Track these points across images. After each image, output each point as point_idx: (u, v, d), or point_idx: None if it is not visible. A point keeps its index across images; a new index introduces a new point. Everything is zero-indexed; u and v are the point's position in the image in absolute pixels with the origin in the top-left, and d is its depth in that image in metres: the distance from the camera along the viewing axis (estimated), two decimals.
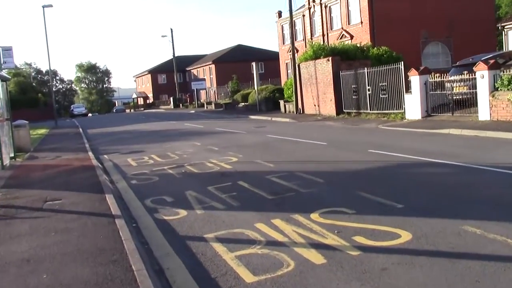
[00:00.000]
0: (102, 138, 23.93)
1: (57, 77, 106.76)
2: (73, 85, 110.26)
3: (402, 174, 9.00)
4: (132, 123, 35.10)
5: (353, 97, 25.49)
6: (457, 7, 35.90)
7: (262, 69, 67.93)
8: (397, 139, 14.65)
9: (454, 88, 19.56)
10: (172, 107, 63.82)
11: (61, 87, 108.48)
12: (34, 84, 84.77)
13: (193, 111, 48.41)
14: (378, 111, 23.54)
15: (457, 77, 19.26)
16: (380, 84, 23.34)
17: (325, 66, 27.43)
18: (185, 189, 9.08)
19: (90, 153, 16.42)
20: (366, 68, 24.43)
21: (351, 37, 36.62)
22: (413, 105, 21.00)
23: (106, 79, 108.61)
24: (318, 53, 29.80)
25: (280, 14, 49.55)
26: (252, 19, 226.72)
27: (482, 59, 19.00)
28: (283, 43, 49.29)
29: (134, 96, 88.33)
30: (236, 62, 66.20)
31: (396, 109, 22.35)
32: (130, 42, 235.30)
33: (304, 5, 44.61)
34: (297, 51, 46.19)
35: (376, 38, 34.59)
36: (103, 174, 11.13)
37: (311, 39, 43.19)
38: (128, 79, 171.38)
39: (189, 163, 12.34)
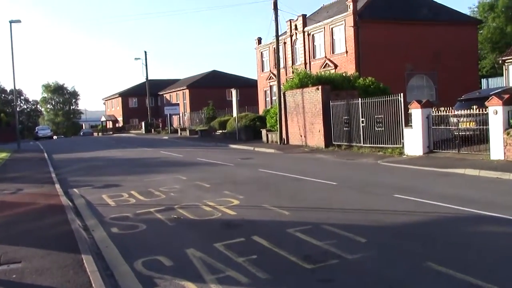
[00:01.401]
0: (71, 166, 21.54)
1: (22, 97, 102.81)
2: (38, 106, 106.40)
3: (462, 234, 7.15)
4: (102, 149, 32.65)
5: (345, 129, 23.94)
6: (442, 41, 35.28)
7: (238, 96, 66.40)
8: (413, 179, 12.96)
9: (460, 124, 18.17)
10: (144, 132, 61.34)
11: (25, 107, 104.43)
12: None
13: (166, 137, 46.16)
14: (373, 145, 22.00)
15: (464, 112, 17.88)
16: (375, 116, 21.87)
17: (313, 95, 25.90)
18: (185, 246, 7.05)
19: (58, 186, 14.15)
20: (360, 99, 22.97)
21: (335, 66, 35.40)
22: (413, 140, 19.50)
23: (73, 100, 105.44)
24: (304, 81, 28.39)
25: (259, 40, 48.25)
26: (227, 47, 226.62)
27: (491, 93, 17.74)
28: (262, 70, 47.87)
29: (103, 119, 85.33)
30: (211, 87, 64.60)
31: (393, 144, 20.84)
32: (100, 64, 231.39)
33: (285, 32, 43.40)
34: None
35: (361, 69, 33.36)
36: (75, 219, 8.95)
37: (292, 67, 41.95)
38: (96, 101, 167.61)
39: (180, 205, 10.29)
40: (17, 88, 37.52)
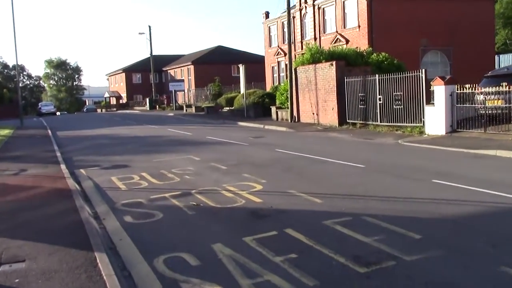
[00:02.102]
0: (76, 144, 20.67)
1: (25, 73, 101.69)
2: (41, 82, 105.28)
3: None
4: (107, 126, 31.76)
5: (360, 106, 22.94)
6: (458, 15, 33.91)
7: (245, 72, 65.02)
8: (446, 162, 12.03)
9: (487, 102, 17.16)
10: (148, 108, 60.31)
11: (28, 83, 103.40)
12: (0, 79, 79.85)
13: (171, 114, 45.18)
14: (390, 124, 21.04)
15: (492, 89, 16.85)
16: (394, 94, 20.85)
17: (327, 71, 24.82)
18: (211, 240, 6.19)
19: (63, 166, 13.29)
20: (377, 75, 21.92)
21: (347, 41, 34.18)
22: (435, 119, 18.52)
23: (76, 76, 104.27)
24: (316, 57, 27.30)
25: (267, 15, 46.84)
26: (231, 21, 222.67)
27: None
28: (270, 46, 46.57)
29: (107, 95, 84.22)
30: (216, 63, 63.28)
31: (413, 122, 19.89)
32: (103, 39, 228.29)
33: (294, 5, 41.97)
34: (285, 54, 43.67)
35: (374, 44, 32.11)
36: (84, 206, 8.08)
37: (301, 42, 40.73)
38: (100, 77, 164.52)
39: (197, 190, 9.41)
40: (19, 63, 36.66)
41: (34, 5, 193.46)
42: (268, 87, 45.21)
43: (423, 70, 19.30)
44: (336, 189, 8.92)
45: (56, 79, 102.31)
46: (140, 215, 7.79)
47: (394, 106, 20.84)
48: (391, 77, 21.02)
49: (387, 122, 21.25)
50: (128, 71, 78.68)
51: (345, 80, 23.69)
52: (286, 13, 43.80)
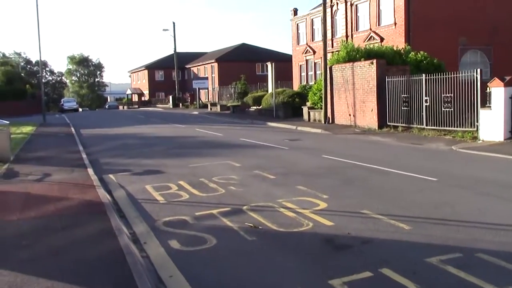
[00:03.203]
0: (101, 144, 19.50)
1: (47, 68, 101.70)
2: (63, 78, 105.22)
3: None
4: (131, 124, 30.65)
5: (403, 108, 21.34)
6: (499, 13, 31.97)
7: (267, 70, 63.61)
8: None
9: None
10: (171, 106, 59.23)
11: (50, 79, 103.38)
12: (22, 74, 79.66)
13: (196, 112, 43.98)
14: (438, 127, 19.43)
15: None
16: (443, 95, 19.24)
17: (366, 69, 23.27)
18: (287, 283, 4.80)
19: (90, 171, 12.04)
20: (423, 75, 20.34)
21: (381, 39, 32.48)
22: (492, 124, 16.89)
23: (98, 72, 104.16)
24: (352, 55, 25.80)
25: (295, 11, 45.35)
26: (256, 19, 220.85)
27: None
28: (298, 43, 45.05)
29: (129, 92, 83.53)
30: (240, 61, 61.98)
31: (464, 127, 18.29)
32: (125, 36, 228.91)
33: (324, 2, 40.38)
34: (314, 52, 42.16)
35: (411, 42, 30.38)
36: (122, 227, 6.75)
37: (332, 40, 39.05)
38: (121, 74, 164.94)
39: (249, 206, 8.04)
40: (42, 59, 35.90)
41: (57, 1, 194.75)
42: (296, 86, 43.74)
43: (478, 70, 17.63)
44: (418, 210, 7.44)
45: (78, 75, 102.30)
46: (188, 239, 6.44)
47: (442, 109, 19.24)
48: (440, 78, 19.45)
49: (434, 126, 19.66)
50: (151, 68, 77.83)
51: (386, 79, 22.14)
52: (315, 10, 42.50)
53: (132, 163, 13.77)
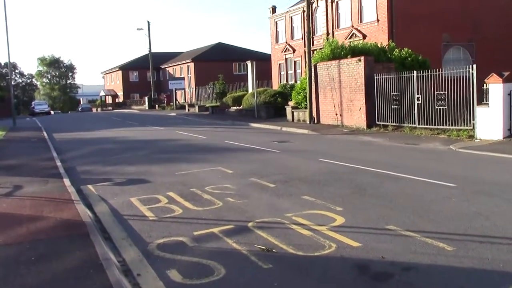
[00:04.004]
0: (76, 149, 18.18)
1: (17, 71, 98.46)
2: (34, 80, 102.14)
3: None
4: (107, 127, 29.23)
5: (393, 106, 20.60)
6: (481, 9, 31.61)
7: (245, 70, 62.69)
8: None
9: None
10: (147, 107, 57.65)
11: (20, 81, 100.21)
12: None
13: (174, 114, 42.66)
14: (431, 126, 18.75)
15: None
16: (436, 93, 18.53)
17: (354, 67, 22.46)
18: None
19: (67, 181, 10.83)
20: (415, 72, 19.61)
21: (364, 36, 31.78)
22: (490, 122, 16.23)
23: (70, 74, 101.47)
24: (336, 52, 25.02)
25: (274, 9, 44.42)
26: (231, 18, 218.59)
27: None
28: (277, 42, 44.12)
29: (102, 93, 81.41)
30: (217, 61, 60.82)
31: (459, 125, 17.63)
32: (98, 36, 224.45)
33: None
34: (294, 50, 41.30)
35: (395, 39, 29.75)
36: (111, 257, 5.60)
37: (312, 38, 38.17)
38: (94, 75, 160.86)
39: (255, 222, 6.99)
40: (11, 61, 34.25)
41: (27, 1, 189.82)
42: (275, 86, 42.85)
43: (473, 66, 16.94)
44: (451, 224, 6.51)
45: (49, 77, 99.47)
46: (190, 268, 5.36)
47: (435, 107, 18.53)
48: (433, 74, 18.76)
49: (427, 125, 18.96)
50: (125, 69, 75.90)
51: (375, 77, 21.36)
52: (294, 7, 41.63)
53: (112, 171, 12.58)
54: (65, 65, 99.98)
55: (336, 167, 11.40)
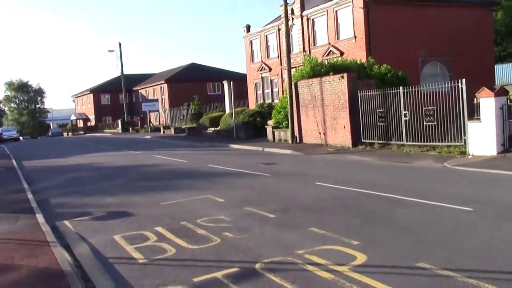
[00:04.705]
0: (49, 179, 16.96)
1: None
2: (1, 105, 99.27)
3: None
4: (81, 153, 27.92)
5: (379, 124, 20.04)
6: (456, 24, 31.74)
7: (219, 90, 62.07)
8: None
9: None
10: (120, 131, 56.21)
11: None
12: None
13: (149, 137, 41.47)
14: (420, 143, 18.23)
15: None
16: (424, 108, 18.04)
17: (336, 84, 21.91)
18: None
19: (40, 217, 9.74)
20: (401, 88, 19.13)
21: (341, 53, 31.43)
22: (482, 137, 15.75)
23: (39, 98, 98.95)
24: (316, 70, 24.53)
25: (248, 28, 43.96)
26: (203, 39, 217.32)
27: None
28: (252, 61, 43.57)
29: (73, 117, 79.44)
30: (190, 82, 60.06)
31: (450, 141, 17.14)
32: (67, 59, 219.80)
33: (280, 16, 39.24)
34: (270, 69, 40.78)
35: (373, 55, 29.47)
36: None
37: (289, 56, 37.71)
38: (64, 99, 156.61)
39: (263, 264, 6.07)
40: None
41: None
42: (252, 105, 42.24)
43: (463, 81, 16.48)
44: (493, 258, 5.69)
45: (17, 102, 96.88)
46: None
47: (424, 123, 18.02)
48: (420, 90, 18.31)
49: (415, 141, 18.44)
50: (96, 91, 74.31)
51: (359, 94, 20.82)
52: (269, 26, 41.20)
53: (90, 203, 11.50)
54: (33, 89, 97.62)
55: (336, 192, 10.58)
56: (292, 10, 36.33)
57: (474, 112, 16.58)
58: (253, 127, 30.76)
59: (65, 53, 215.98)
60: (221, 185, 12.62)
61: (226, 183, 13.02)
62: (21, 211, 10.61)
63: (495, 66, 37.16)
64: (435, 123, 17.56)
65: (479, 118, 15.94)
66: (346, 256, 6.10)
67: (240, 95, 45.82)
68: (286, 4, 25.85)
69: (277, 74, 40.08)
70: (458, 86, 16.60)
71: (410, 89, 18.78)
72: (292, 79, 25.53)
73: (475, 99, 16.18)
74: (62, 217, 9.96)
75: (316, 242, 6.77)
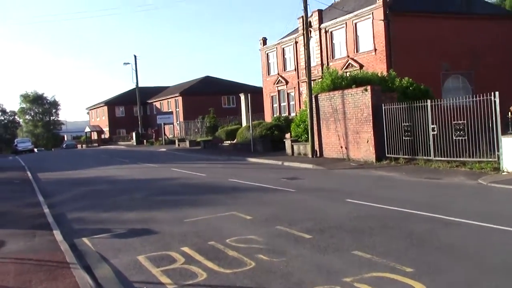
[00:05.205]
0: (65, 192, 16.48)
1: None
2: (16, 117, 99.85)
3: None
4: (96, 165, 27.50)
5: (405, 138, 19.33)
6: (478, 37, 31.03)
7: (234, 103, 61.72)
8: None
9: None
10: (135, 143, 55.94)
11: (2, 118, 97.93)
12: None
13: (164, 150, 41.03)
14: (449, 158, 17.45)
15: None
16: (454, 123, 17.32)
17: (359, 97, 21.27)
18: None
19: (58, 234, 9.19)
20: (429, 101, 18.45)
21: (361, 66, 30.82)
22: None
23: (54, 111, 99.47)
24: (337, 82, 23.92)
25: (265, 41, 43.57)
26: (218, 52, 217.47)
27: None
28: (268, 74, 43.10)
29: (87, 130, 79.51)
30: (205, 94, 59.83)
31: (481, 157, 16.35)
32: (82, 71, 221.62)
33: (297, 29, 38.88)
34: (287, 82, 40.27)
35: (393, 68, 28.82)
36: None
37: (309, 68, 37.18)
38: (78, 111, 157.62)
39: None
40: None
41: (9, 37, 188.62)
42: (268, 118, 41.72)
43: (496, 94, 15.76)
44: None
45: (32, 114, 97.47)
46: None
47: (454, 137, 17.28)
48: (450, 104, 17.61)
49: (443, 157, 17.68)
50: (111, 104, 74.36)
51: (383, 107, 20.15)
52: (286, 39, 40.78)
53: (110, 218, 10.94)
54: (48, 101, 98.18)
55: (369, 210, 9.91)
56: (310, 23, 35.80)
57: (507, 126, 15.84)
58: (271, 141, 30.19)
59: (81, 65, 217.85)
60: (245, 201, 12.00)
61: (250, 198, 12.40)
62: (38, 227, 10.09)
63: None
64: (465, 137, 16.83)
65: None
66: (402, 286, 5.43)
67: (256, 108, 45.27)
68: (306, 14, 25.35)
69: (294, 87, 39.56)
70: (490, 99, 15.88)
71: (438, 102, 18.10)
72: (312, 91, 24.95)
73: (509, 113, 15.44)
74: (81, 234, 9.41)
75: (363, 268, 6.10)
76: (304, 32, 25.72)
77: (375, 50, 29.80)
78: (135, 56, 56.44)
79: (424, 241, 7.28)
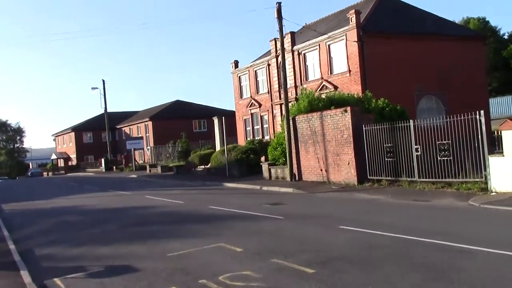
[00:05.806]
0: (33, 224, 15.28)
1: None
2: None
3: None
4: (64, 194, 26.16)
5: (387, 159, 18.89)
6: (449, 58, 31.37)
7: (205, 127, 60.94)
8: None
9: None
10: (104, 170, 54.30)
11: None
12: None
13: (134, 176, 39.77)
14: (434, 179, 17.04)
15: None
16: (438, 143, 16.96)
17: (339, 118, 20.83)
18: None
19: (25, 275, 8.17)
20: (411, 121, 18.10)
21: (335, 87, 30.57)
22: (506, 172, 14.63)
23: (18, 138, 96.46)
24: (314, 104, 23.49)
25: (236, 64, 43.19)
26: (188, 75, 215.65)
27: None
28: (241, 97, 42.60)
29: (54, 156, 77.12)
30: (176, 119, 58.97)
31: (468, 177, 15.98)
32: (48, 96, 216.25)
33: (269, 51, 38.67)
34: (260, 105, 39.81)
35: (368, 90, 28.67)
36: None
37: (279, 91, 36.83)
38: (44, 138, 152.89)
39: None
40: None
41: None
42: (241, 142, 41.03)
43: (482, 112, 15.47)
44: None
45: None
46: None
47: (438, 158, 16.90)
48: (433, 123, 17.28)
49: (428, 178, 17.25)
50: (78, 130, 72.45)
51: (364, 128, 19.73)
52: (258, 61, 40.44)
53: (83, 254, 9.94)
54: (12, 128, 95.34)
55: (368, 238, 9.22)
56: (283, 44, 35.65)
57: (494, 145, 15.53)
58: (247, 165, 29.44)
59: (46, 91, 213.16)
60: (231, 231, 11.15)
61: (236, 227, 11.56)
62: (3, 266, 9.03)
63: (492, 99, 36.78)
64: (450, 157, 16.47)
65: (502, 152, 14.88)
66: None
67: (229, 131, 44.48)
68: (282, 36, 25.00)
69: (268, 110, 39.12)
70: (475, 118, 15.58)
71: (421, 122, 17.78)
72: (290, 114, 24.43)
73: (495, 132, 15.14)
74: (52, 273, 8.41)
75: None
76: (281, 53, 25.31)
77: (350, 71, 29.64)
78: (103, 81, 55.23)
79: (440, 273, 6.59)
